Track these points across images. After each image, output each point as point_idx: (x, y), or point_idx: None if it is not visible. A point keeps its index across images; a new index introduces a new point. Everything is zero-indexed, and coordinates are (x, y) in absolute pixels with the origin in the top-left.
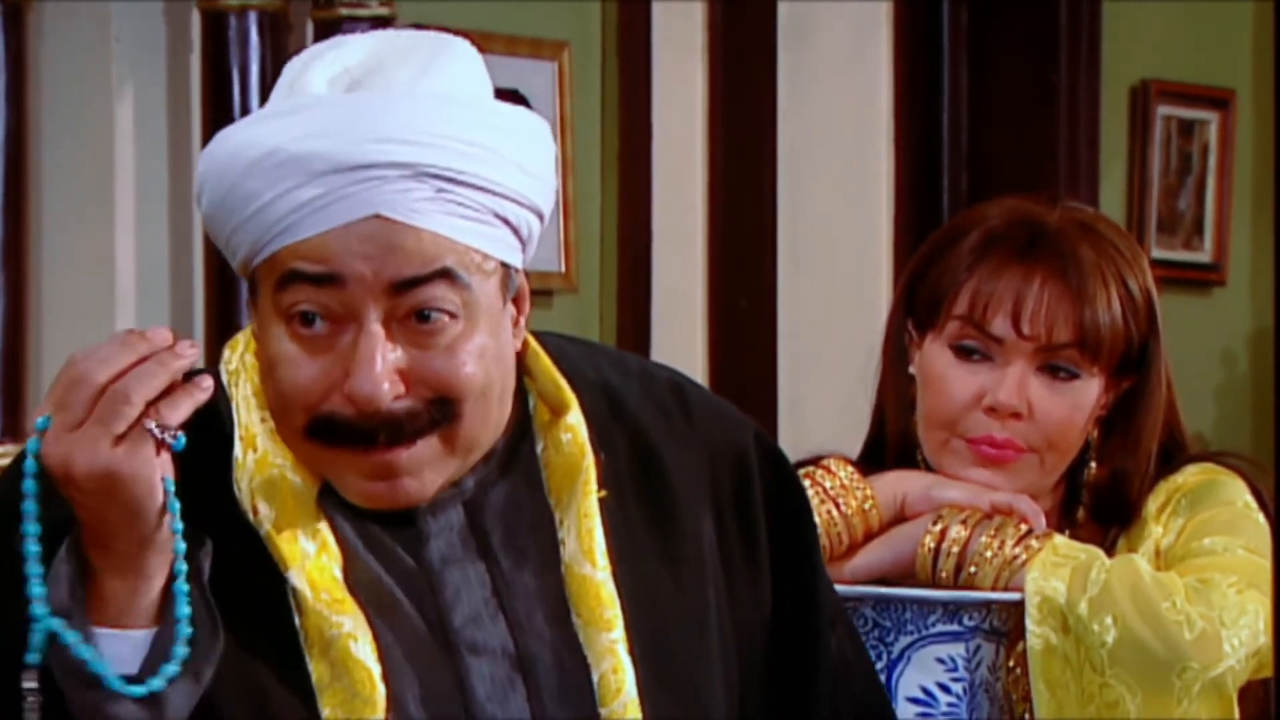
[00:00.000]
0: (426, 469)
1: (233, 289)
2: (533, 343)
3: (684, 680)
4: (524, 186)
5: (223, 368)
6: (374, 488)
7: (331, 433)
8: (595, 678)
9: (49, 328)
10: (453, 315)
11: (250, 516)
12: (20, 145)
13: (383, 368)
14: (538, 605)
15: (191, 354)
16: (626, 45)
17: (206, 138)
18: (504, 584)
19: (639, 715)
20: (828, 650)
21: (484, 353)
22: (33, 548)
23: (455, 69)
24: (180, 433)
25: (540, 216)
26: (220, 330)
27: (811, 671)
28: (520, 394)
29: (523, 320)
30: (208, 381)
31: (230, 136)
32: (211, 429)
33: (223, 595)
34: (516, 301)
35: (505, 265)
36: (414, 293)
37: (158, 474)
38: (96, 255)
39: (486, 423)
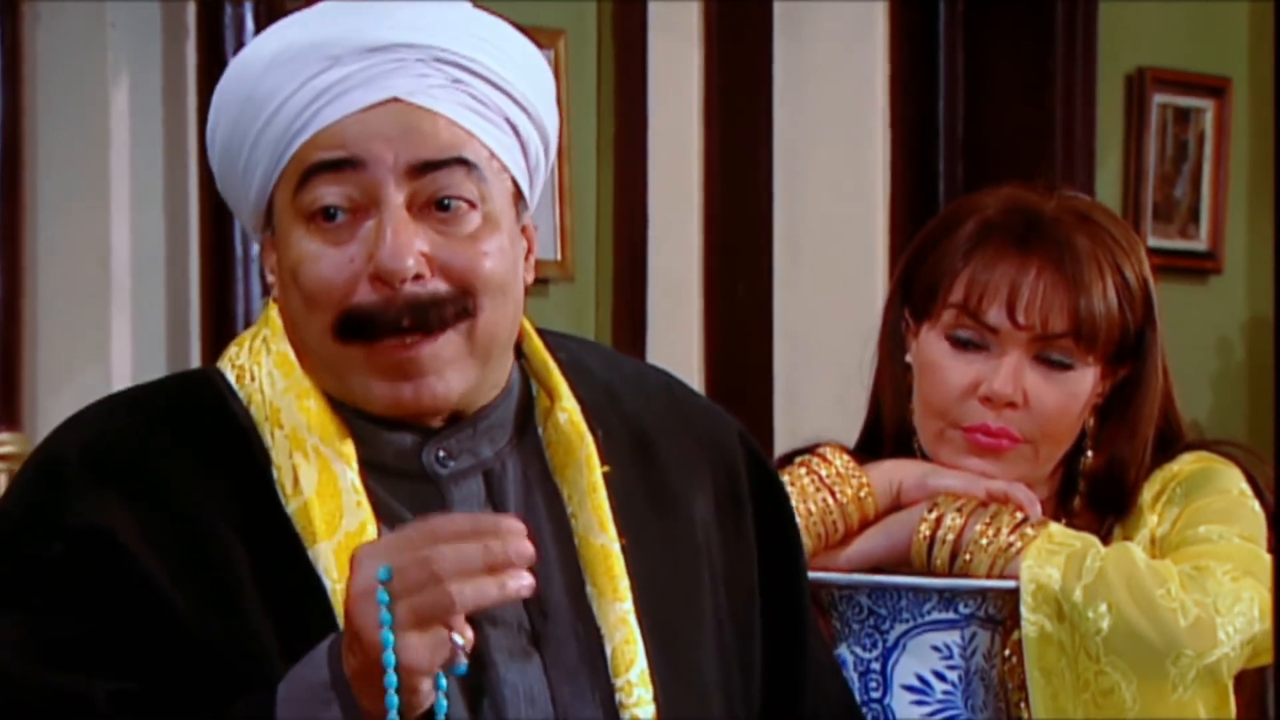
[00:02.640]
0: (448, 368)
1: (228, 276)
2: (526, 324)
3: (685, 657)
4: (533, 94)
5: (226, 365)
6: (399, 390)
7: (358, 327)
8: (609, 650)
9: (44, 315)
10: (472, 205)
11: (290, 488)
12: (16, 133)
13: (407, 240)
14: (550, 579)
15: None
16: (622, 33)
17: (202, 126)
18: None
19: (650, 687)
20: (814, 648)
21: (503, 252)
22: (389, 638)
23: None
24: (465, 662)
25: (546, 146)
26: (215, 317)
27: (799, 671)
28: (524, 379)
29: (532, 259)
30: (526, 579)
31: (248, 49)
32: (229, 430)
33: (268, 583)
34: (525, 236)
35: (515, 183)
36: (433, 177)
37: (432, 677)
38: (92, 243)
39: (503, 325)
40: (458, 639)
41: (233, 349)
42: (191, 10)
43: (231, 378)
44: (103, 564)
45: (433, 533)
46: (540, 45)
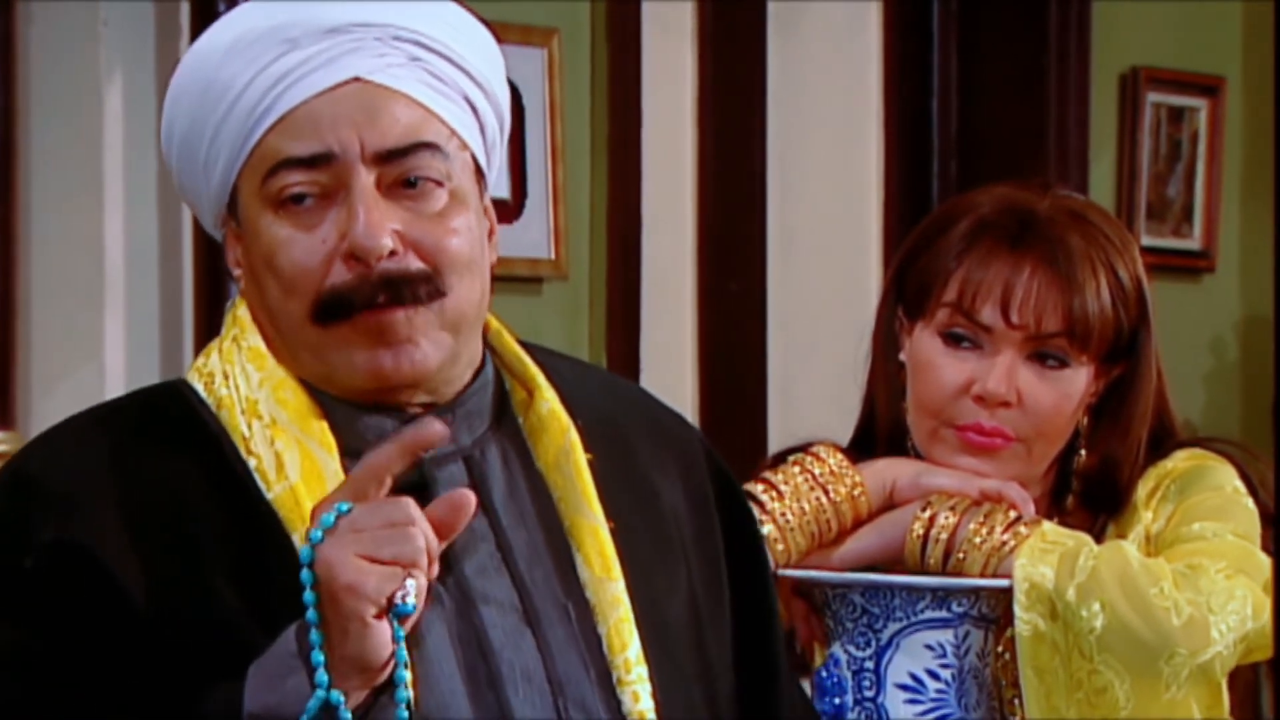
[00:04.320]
0: (423, 337)
1: (222, 274)
2: (495, 322)
3: (671, 641)
4: (488, 73)
5: (193, 375)
6: (380, 358)
7: (336, 308)
8: (604, 629)
9: (38, 313)
10: (439, 183)
11: (273, 475)
12: (10, 131)
13: (380, 218)
14: (538, 561)
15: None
16: (616, 31)
17: None
18: (505, 540)
19: (646, 665)
20: (783, 665)
21: (470, 229)
22: (312, 615)
23: None
24: (413, 602)
25: (501, 125)
26: (209, 315)
27: (771, 686)
28: (496, 372)
29: (495, 238)
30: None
31: (202, 40)
32: (198, 438)
33: (249, 580)
34: (487, 215)
35: (475, 161)
36: (400, 162)
37: (378, 607)
38: (86, 241)
39: (472, 301)
40: (410, 582)
41: (200, 359)
42: (185, 9)
43: (199, 387)
44: (75, 578)
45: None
46: (534, 44)
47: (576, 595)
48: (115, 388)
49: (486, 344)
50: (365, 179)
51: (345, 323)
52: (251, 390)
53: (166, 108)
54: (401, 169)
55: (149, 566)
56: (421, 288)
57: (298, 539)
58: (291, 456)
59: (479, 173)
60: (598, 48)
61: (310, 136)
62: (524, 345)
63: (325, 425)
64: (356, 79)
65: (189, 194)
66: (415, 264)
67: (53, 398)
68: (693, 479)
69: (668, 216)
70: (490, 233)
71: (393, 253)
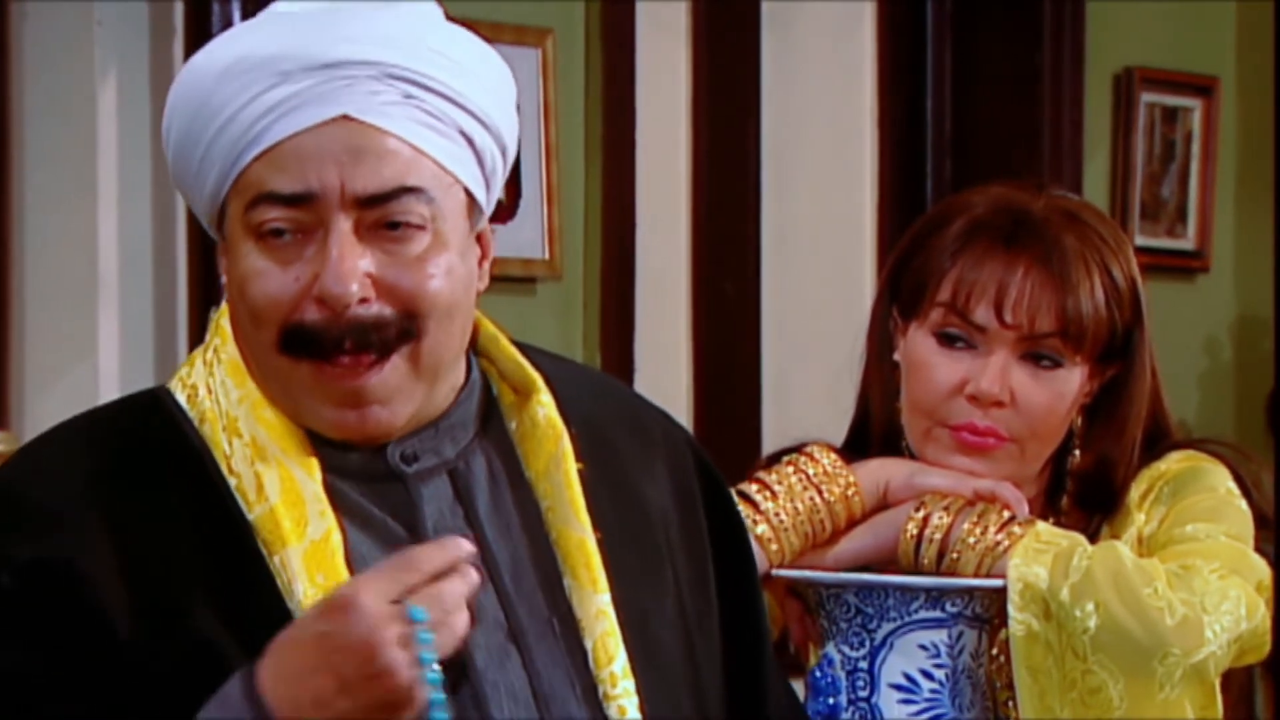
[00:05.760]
0: (395, 397)
1: (216, 274)
2: (490, 326)
3: (658, 652)
4: (489, 106)
5: (177, 385)
6: (344, 416)
7: (301, 343)
8: (589, 643)
9: (32, 313)
10: (420, 227)
11: (253, 495)
12: (4, 131)
13: (352, 265)
14: (524, 574)
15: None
16: (610, 31)
17: None
18: (490, 554)
19: (632, 679)
20: (774, 661)
21: (452, 270)
22: (434, 677)
23: (423, 5)
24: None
25: (504, 152)
26: (203, 315)
27: (760, 685)
28: (483, 378)
29: (486, 264)
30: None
31: (201, 55)
32: (180, 452)
33: (228, 602)
34: (481, 243)
35: (469, 194)
36: (381, 207)
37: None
38: (80, 241)
39: (449, 346)
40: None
41: (184, 369)
42: (179, 9)
43: (182, 399)
44: (54, 596)
45: (419, 566)
46: (528, 44)
47: (562, 608)
48: (109, 388)
49: (477, 349)
50: (343, 224)
51: (312, 362)
52: (232, 406)
53: (165, 115)
54: (382, 213)
55: (129, 584)
56: (391, 330)
57: (279, 561)
58: (271, 477)
59: (473, 203)
60: (592, 48)
61: (294, 173)
62: (514, 342)
63: (307, 442)
64: (345, 116)
65: (186, 197)
66: (387, 310)
67: (47, 398)
68: (680, 480)
69: (662, 216)
70: (481, 260)
71: (364, 299)
